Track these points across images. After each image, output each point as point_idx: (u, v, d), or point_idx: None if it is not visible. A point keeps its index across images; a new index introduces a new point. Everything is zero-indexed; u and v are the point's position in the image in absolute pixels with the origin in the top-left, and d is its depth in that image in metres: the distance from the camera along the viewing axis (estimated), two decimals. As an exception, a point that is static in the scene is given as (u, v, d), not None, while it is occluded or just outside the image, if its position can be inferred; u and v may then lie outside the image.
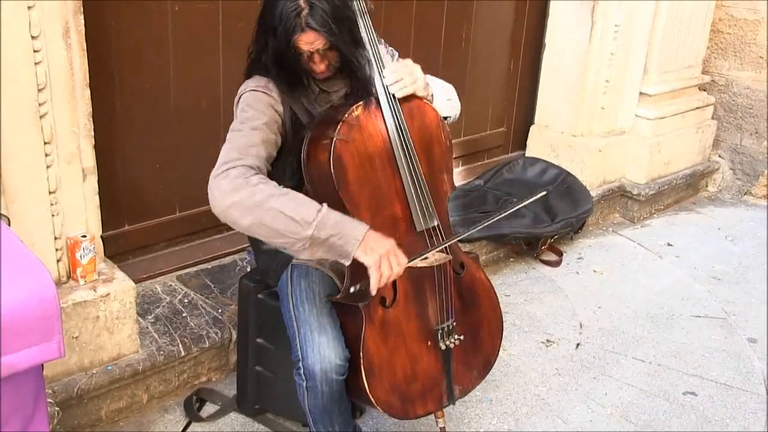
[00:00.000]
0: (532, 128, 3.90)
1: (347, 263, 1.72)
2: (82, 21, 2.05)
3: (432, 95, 1.99)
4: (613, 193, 3.85)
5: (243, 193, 1.67)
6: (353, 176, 1.79)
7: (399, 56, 2.12)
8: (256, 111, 1.82)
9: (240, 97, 1.88)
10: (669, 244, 3.67)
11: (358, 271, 1.87)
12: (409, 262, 1.78)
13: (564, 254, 3.46)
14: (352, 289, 1.78)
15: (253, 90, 1.85)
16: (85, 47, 2.07)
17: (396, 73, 1.85)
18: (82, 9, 2.04)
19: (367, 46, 1.85)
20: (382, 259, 1.71)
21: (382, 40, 2.07)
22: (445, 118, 2.02)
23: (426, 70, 1.98)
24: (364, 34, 1.84)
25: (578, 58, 3.64)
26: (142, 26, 2.47)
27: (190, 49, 2.59)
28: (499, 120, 3.83)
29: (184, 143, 2.68)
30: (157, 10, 2.49)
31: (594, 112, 3.72)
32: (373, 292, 1.75)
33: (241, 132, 1.78)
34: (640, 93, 3.83)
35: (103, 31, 2.37)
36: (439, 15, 3.33)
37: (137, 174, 2.61)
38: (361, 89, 1.86)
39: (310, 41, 1.77)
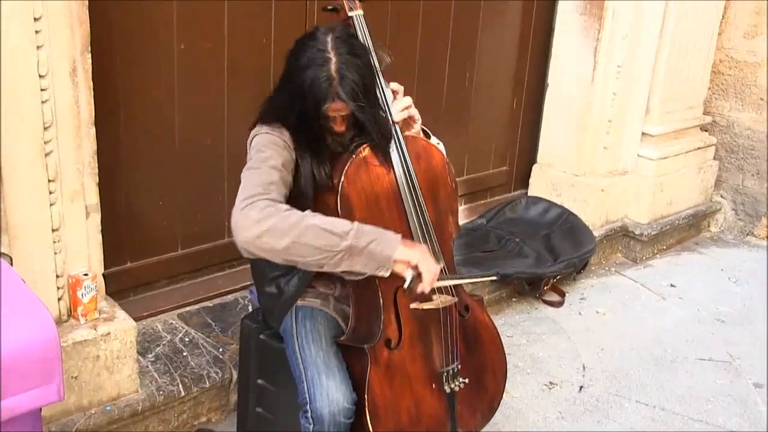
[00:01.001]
0: (534, 167, 3.91)
1: (386, 273, 1.74)
2: (90, 59, 2.06)
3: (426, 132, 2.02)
4: (616, 233, 3.85)
5: (275, 218, 1.68)
6: (360, 216, 1.79)
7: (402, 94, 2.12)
8: (272, 152, 1.82)
9: (253, 139, 1.88)
10: (672, 285, 3.66)
11: (364, 310, 1.87)
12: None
13: (566, 295, 3.44)
14: (405, 284, 1.76)
15: (268, 133, 1.86)
16: (92, 85, 2.09)
17: (402, 108, 1.89)
18: (89, 48, 2.06)
19: (377, 91, 1.86)
20: (425, 256, 1.76)
21: None
22: None
23: (430, 109, 2.01)
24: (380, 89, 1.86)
25: (581, 98, 3.66)
26: (148, 64, 2.49)
27: (195, 86, 2.61)
28: (501, 158, 3.85)
29: (188, 180, 2.69)
30: (163, 48, 2.51)
31: (596, 152, 3.73)
32: (427, 288, 1.77)
33: (260, 170, 1.78)
34: (643, 133, 3.84)
35: (110, 69, 2.38)
36: (442, 54, 3.37)
37: (140, 210, 2.61)
38: (380, 140, 1.87)
39: (337, 109, 1.79)
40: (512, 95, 3.76)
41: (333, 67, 1.75)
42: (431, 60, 3.32)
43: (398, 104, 1.90)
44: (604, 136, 3.72)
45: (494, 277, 1.98)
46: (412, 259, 1.74)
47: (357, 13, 1.87)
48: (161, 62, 2.52)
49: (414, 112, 1.93)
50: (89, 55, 2.06)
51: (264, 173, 1.78)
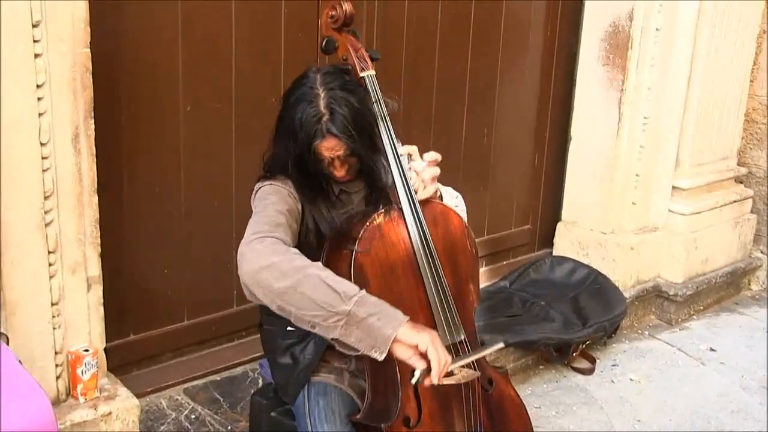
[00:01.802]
0: (559, 225, 3.90)
1: (381, 356, 1.63)
2: (93, 125, 2.11)
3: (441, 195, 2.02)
4: (648, 294, 3.81)
5: (281, 257, 1.66)
6: (374, 287, 1.77)
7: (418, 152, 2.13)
8: (277, 198, 1.84)
9: (257, 192, 1.90)
10: (712, 349, 3.60)
11: (381, 386, 1.85)
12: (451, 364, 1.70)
13: (597, 361, 3.39)
14: (413, 379, 1.66)
15: (271, 184, 1.88)
16: (95, 151, 2.12)
17: (419, 177, 1.88)
18: (93, 112, 2.10)
19: (388, 150, 1.87)
20: (434, 343, 1.63)
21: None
22: None
23: (447, 166, 2.01)
24: (385, 139, 1.87)
25: (606, 152, 3.67)
26: (153, 126, 2.53)
27: (202, 148, 2.65)
28: (524, 217, 3.85)
29: (194, 246, 2.70)
30: (169, 110, 2.56)
31: (624, 208, 3.72)
32: (436, 381, 1.65)
33: (266, 211, 1.80)
34: (673, 187, 3.84)
35: (114, 132, 2.42)
36: (459, 108, 3.40)
37: (144, 279, 2.62)
38: (379, 196, 1.89)
39: (330, 147, 1.81)
40: (533, 150, 3.78)
41: (322, 102, 1.78)
42: (448, 114, 3.36)
43: (422, 163, 1.89)
44: (632, 191, 3.71)
45: (501, 345, 1.92)
46: (420, 344, 1.63)
47: (369, 74, 1.89)
48: (167, 124, 2.56)
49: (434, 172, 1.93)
50: (92, 121, 2.10)
51: (270, 214, 1.78)
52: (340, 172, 1.87)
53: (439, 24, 3.20)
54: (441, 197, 2.02)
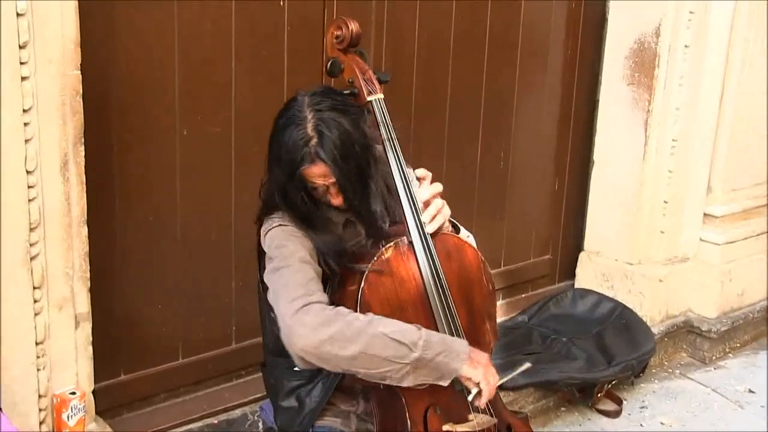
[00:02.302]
0: (581, 255, 3.88)
1: (445, 383, 1.77)
2: (83, 151, 2.11)
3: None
4: (679, 330, 3.77)
5: (338, 324, 1.68)
6: (383, 327, 1.77)
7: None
8: (294, 245, 1.82)
9: (267, 235, 1.88)
10: (750, 391, 3.55)
11: (389, 428, 1.87)
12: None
13: (624, 403, 3.35)
14: (470, 397, 1.82)
15: (281, 225, 1.86)
16: (85, 180, 2.12)
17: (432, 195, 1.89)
18: (83, 138, 2.10)
19: (397, 179, 1.86)
20: (488, 373, 1.80)
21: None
22: None
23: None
24: (394, 167, 1.86)
25: (632, 176, 3.66)
26: (147, 152, 2.53)
27: (199, 175, 2.64)
28: (543, 246, 3.83)
29: (191, 279, 2.69)
30: (164, 134, 2.55)
31: (652, 237, 3.70)
32: (483, 403, 1.83)
33: (292, 267, 1.78)
34: (705, 214, 3.82)
35: (105, 159, 2.42)
36: (474, 130, 3.40)
37: (136, 315, 2.60)
38: (372, 232, 1.88)
39: (321, 174, 1.79)
40: (554, 175, 3.77)
41: (310, 125, 1.77)
42: (461, 138, 3.36)
43: (426, 191, 1.89)
44: (660, 219, 3.69)
45: (527, 366, 1.96)
46: (475, 376, 1.78)
47: (377, 98, 1.89)
48: (162, 149, 2.56)
49: (441, 203, 1.93)
50: (82, 147, 2.11)
51: (298, 270, 1.77)
52: (336, 199, 1.86)
53: (451, 41, 3.21)
54: (458, 229, 2.01)
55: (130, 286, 2.57)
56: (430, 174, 1.96)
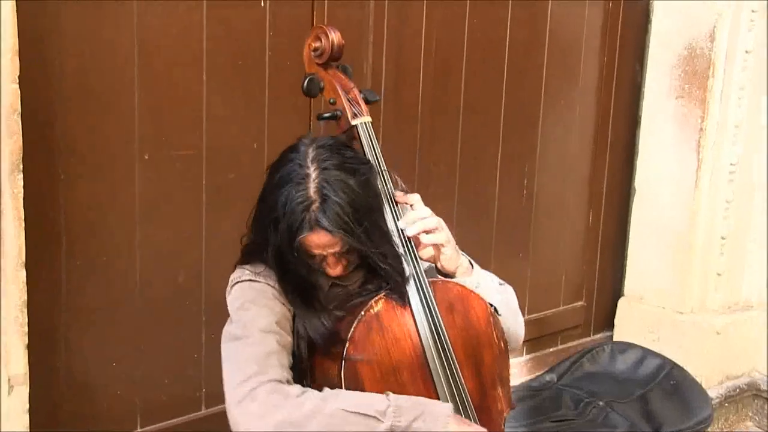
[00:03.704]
0: (621, 302, 3.88)
1: None
2: (21, 180, 2.11)
3: (472, 270, 2.00)
4: (742, 393, 3.75)
5: (286, 409, 1.69)
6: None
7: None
8: (260, 308, 1.83)
9: (232, 288, 1.90)
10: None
11: None
12: None
13: (674, 480, 3.31)
14: None
15: (251, 280, 1.88)
16: (23, 214, 2.12)
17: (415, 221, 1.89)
18: (21, 166, 2.10)
19: (387, 216, 1.88)
20: None
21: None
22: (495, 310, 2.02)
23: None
24: (388, 214, 1.87)
25: (681, 208, 3.65)
26: (100, 180, 2.53)
27: (163, 208, 2.65)
28: (575, 291, 3.83)
29: (152, 332, 2.68)
30: (121, 159, 2.55)
31: (707, 280, 3.69)
32: None
33: (249, 339, 1.79)
34: (771, 252, 3.81)
35: (49, 189, 2.42)
36: (491, 154, 3.41)
37: (85, 376, 2.59)
38: (393, 286, 1.87)
39: (321, 244, 1.81)
40: (587, 206, 3.78)
41: (312, 186, 1.77)
42: (477, 163, 3.37)
43: (410, 216, 1.90)
44: (716, 259, 3.68)
45: None
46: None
47: (363, 121, 1.90)
48: (118, 177, 2.56)
49: (433, 226, 1.91)
50: (21, 175, 2.11)
51: (256, 343, 1.78)
52: (334, 270, 1.87)
53: (465, 49, 3.23)
54: (474, 283, 1.99)
55: (78, 342, 2.56)
56: (417, 196, 1.96)
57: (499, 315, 2.02)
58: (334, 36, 1.92)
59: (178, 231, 2.69)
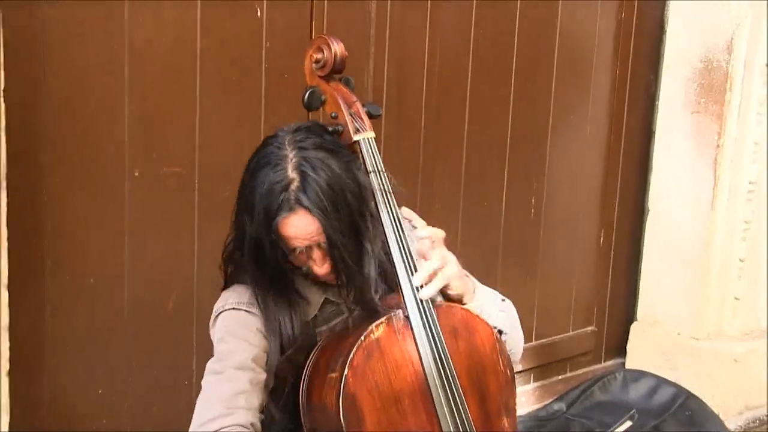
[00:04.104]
0: (633, 327, 3.88)
1: None
2: (4, 198, 2.12)
3: (479, 289, 2.01)
4: (762, 425, 3.74)
5: None
6: (372, 424, 1.77)
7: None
8: (238, 342, 1.84)
9: (216, 318, 1.91)
10: None
11: None
12: None
13: None
14: None
15: (234, 309, 1.88)
16: (6, 233, 2.12)
17: (426, 268, 1.87)
18: (4, 182, 2.11)
19: (390, 235, 1.87)
20: None
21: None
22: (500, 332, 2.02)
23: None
24: (386, 220, 1.87)
25: (698, 228, 3.66)
26: (87, 198, 2.53)
27: (153, 227, 2.65)
28: (585, 315, 3.83)
29: (141, 358, 2.68)
30: (110, 175, 2.56)
31: (725, 305, 3.69)
32: None
33: (222, 375, 1.81)
34: (792, 275, 3.81)
35: (33, 205, 2.42)
36: (497, 170, 3.42)
37: (70, 405, 2.59)
38: (360, 304, 1.88)
39: (302, 227, 1.78)
40: (598, 226, 3.78)
41: (290, 165, 1.77)
42: (482, 180, 3.37)
43: (425, 269, 1.88)
44: (734, 282, 3.69)
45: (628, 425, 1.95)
46: None
47: (366, 137, 1.90)
48: (107, 195, 2.57)
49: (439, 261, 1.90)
50: (3, 192, 2.12)
51: (228, 379, 1.79)
52: (321, 268, 1.85)
53: (470, 59, 3.24)
54: (476, 300, 1.99)
55: (63, 368, 2.56)
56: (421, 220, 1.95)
57: (504, 335, 2.03)
58: (337, 47, 1.92)
59: (170, 252, 2.69)
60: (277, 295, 1.88)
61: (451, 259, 1.92)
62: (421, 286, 1.85)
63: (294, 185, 1.76)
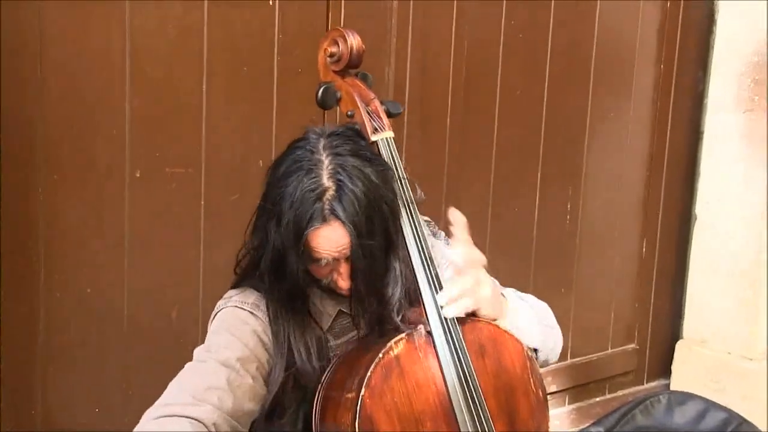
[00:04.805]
0: (679, 345, 3.87)
1: None
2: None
3: (511, 311, 1.99)
4: (818, 452, 3.71)
5: None
6: (392, 449, 1.77)
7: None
8: (231, 337, 1.84)
9: (217, 313, 1.92)
10: None
11: None
12: None
13: None
14: None
15: (236, 307, 1.89)
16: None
17: (456, 286, 1.86)
18: (-4, 183, 2.13)
19: (411, 245, 1.87)
20: None
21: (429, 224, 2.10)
22: (535, 350, 2.01)
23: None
24: (408, 229, 1.87)
25: (750, 238, 3.65)
26: (85, 200, 2.55)
27: (156, 233, 2.66)
28: (626, 333, 3.83)
29: (141, 374, 2.69)
30: (109, 176, 2.57)
31: (780, 322, 3.67)
32: None
33: (204, 364, 1.81)
34: None
35: (26, 209, 2.44)
36: (530, 175, 3.43)
37: (65, 422, 2.60)
38: (375, 325, 1.87)
39: (333, 240, 1.78)
40: (640, 235, 3.78)
41: (326, 172, 1.77)
42: (512, 186, 3.38)
43: (453, 290, 1.86)
44: (790, 297, 3.67)
45: None
46: None
47: (384, 137, 1.90)
48: (105, 198, 2.58)
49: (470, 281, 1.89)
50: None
51: (206, 371, 1.79)
52: (346, 281, 1.85)
53: (501, 54, 3.25)
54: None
55: (57, 385, 2.57)
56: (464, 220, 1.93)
57: (539, 353, 2.03)
58: (354, 40, 1.92)
59: (173, 260, 2.71)
60: (292, 312, 1.88)
61: (486, 281, 1.91)
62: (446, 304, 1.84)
63: (329, 194, 1.76)
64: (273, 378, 1.87)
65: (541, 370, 1.98)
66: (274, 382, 1.87)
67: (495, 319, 1.93)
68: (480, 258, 1.92)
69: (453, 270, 1.91)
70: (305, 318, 1.90)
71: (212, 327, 1.91)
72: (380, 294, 1.85)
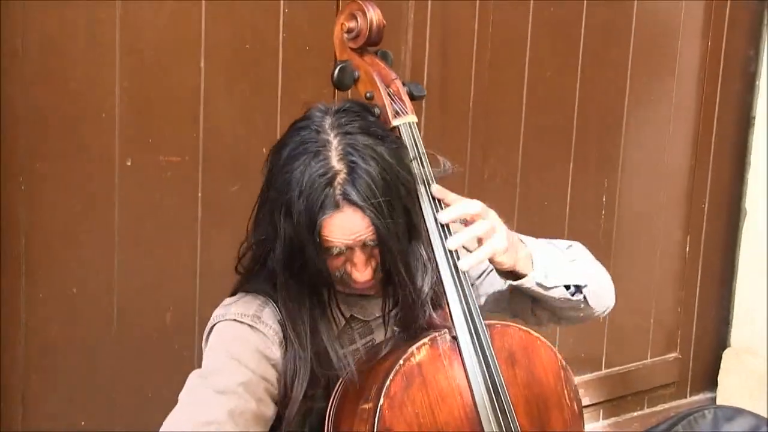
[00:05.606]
0: (726, 354, 3.88)
1: None
2: (-25, 192, 2.14)
3: (532, 258, 1.97)
4: None
5: None
6: (412, 465, 1.78)
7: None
8: (229, 360, 1.82)
9: (214, 327, 1.91)
10: None
11: None
12: None
13: None
14: None
15: (234, 320, 1.87)
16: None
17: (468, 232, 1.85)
18: (-25, 174, 2.14)
19: (434, 238, 1.86)
20: None
21: None
22: (574, 293, 2.00)
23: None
24: (430, 220, 1.86)
25: (805, 235, 3.64)
26: (71, 191, 2.56)
27: (148, 227, 2.67)
28: (668, 341, 3.83)
29: (131, 382, 2.71)
30: (97, 164, 2.58)
31: (840, 329, 3.67)
32: None
33: (202, 394, 1.79)
34: None
35: (8, 201, 2.46)
36: (561, 165, 3.44)
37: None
38: (404, 324, 1.87)
39: (348, 228, 1.77)
40: (683, 232, 3.78)
41: (335, 153, 1.75)
42: (542, 177, 3.39)
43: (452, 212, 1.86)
44: None
45: None
46: None
47: (406, 121, 1.89)
48: (93, 188, 2.59)
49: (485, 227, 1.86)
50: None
51: (205, 402, 1.77)
52: (363, 274, 1.84)
53: (529, 33, 3.25)
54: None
55: (40, 393, 2.59)
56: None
57: (585, 288, 2.03)
58: (374, 14, 1.89)
59: (167, 257, 2.72)
60: (310, 310, 1.87)
61: (501, 228, 1.88)
62: (457, 255, 1.83)
63: (341, 177, 1.74)
64: (295, 394, 1.85)
65: (576, 379, 1.99)
66: (296, 395, 1.85)
67: (515, 265, 1.92)
68: (485, 206, 1.89)
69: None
70: (324, 317, 1.89)
71: (209, 344, 1.89)
72: (412, 282, 1.84)
